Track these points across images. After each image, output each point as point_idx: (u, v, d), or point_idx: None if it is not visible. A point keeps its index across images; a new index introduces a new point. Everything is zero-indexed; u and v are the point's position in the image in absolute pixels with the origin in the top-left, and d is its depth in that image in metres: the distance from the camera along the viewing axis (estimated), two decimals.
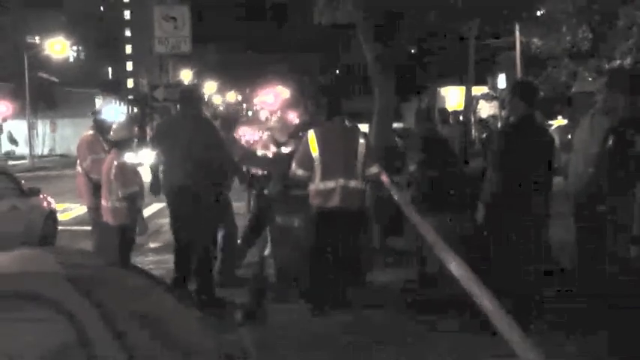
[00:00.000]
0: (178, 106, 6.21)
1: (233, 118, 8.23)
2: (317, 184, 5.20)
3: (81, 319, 1.81)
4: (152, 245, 8.68)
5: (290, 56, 42.38)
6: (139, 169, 6.11)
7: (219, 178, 5.76)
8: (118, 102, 62.18)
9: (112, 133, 6.01)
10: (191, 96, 5.93)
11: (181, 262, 5.65)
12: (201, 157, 5.44)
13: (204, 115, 6.17)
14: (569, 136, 5.41)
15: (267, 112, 32.14)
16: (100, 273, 2.18)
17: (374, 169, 5.35)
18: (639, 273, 3.51)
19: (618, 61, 25.06)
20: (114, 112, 8.84)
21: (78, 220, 11.44)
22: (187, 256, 5.61)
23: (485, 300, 2.45)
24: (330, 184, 5.15)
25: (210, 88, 69.89)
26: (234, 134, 7.52)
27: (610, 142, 3.73)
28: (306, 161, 5.22)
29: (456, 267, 2.84)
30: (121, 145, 5.84)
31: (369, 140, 5.69)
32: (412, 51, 28.23)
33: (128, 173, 5.74)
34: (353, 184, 5.18)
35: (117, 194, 5.69)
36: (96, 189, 6.24)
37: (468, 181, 6.27)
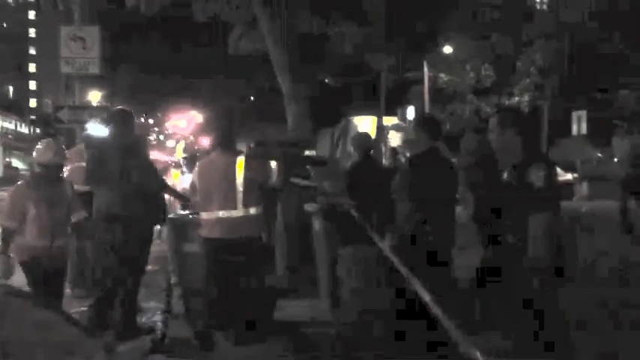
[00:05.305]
0: (108, 129, 5.71)
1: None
2: (201, 215, 5.28)
3: None
4: None
5: (204, 81, 41.97)
6: None
7: (154, 208, 5.51)
8: (19, 122, 59.14)
9: (35, 155, 5.07)
10: (123, 118, 5.57)
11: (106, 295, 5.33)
12: (134, 184, 5.20)
13: (135, 139, 5.63)
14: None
15: (174, 141, 31.42)
16: None
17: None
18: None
19: (517, 98, 26.75)
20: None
21: None
22: (112, 290, 5.28)
23: None
24: (211, 215, 5.16)
25: None
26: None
27: (505, 176, 3.96)
28: (193, 191, 5.37)
29: None
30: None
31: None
32: (326, 81, 28.81)
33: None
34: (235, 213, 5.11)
35: None
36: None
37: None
